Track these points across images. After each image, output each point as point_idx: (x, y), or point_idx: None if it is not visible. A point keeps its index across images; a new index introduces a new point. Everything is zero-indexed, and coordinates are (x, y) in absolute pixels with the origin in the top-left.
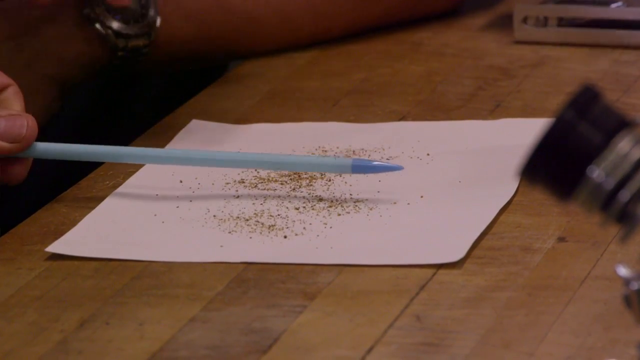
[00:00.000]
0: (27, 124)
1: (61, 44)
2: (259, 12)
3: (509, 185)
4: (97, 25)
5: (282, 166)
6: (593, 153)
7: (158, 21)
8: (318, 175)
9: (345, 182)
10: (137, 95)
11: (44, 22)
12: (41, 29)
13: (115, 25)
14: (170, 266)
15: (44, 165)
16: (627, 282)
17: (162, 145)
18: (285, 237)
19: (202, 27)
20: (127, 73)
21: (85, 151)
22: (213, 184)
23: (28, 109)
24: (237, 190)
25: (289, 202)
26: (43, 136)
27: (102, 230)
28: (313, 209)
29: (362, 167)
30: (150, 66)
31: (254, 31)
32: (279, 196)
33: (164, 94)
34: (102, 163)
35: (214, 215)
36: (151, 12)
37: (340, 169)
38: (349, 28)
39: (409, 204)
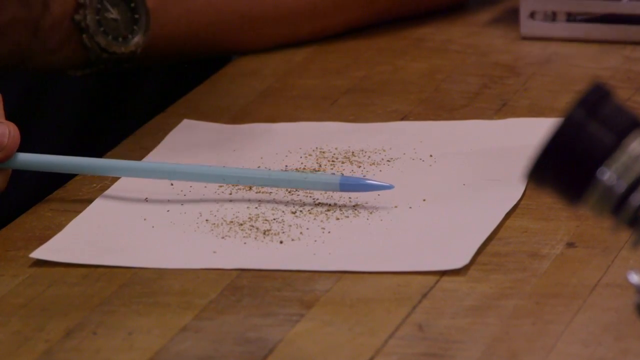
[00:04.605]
0: (8, 132)
1: (53, 36)
2: (254, 11)
3: (515, 188)
4: (84, 37)
5: (265, 182)
6: (603, 154)
7: (143, 40)
8: None
9: None
10: (127, 94)
11: (49, 5)
12: (51, 6)
13: (102, 41)
14: (160, 273)
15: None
16: (639, 289)
17: (153, 146)
18: (281, 242)
19: (193, 27)
20: (120, 73)
21: (67, 163)
22: (205, 186)
23: None
24: (230, 194)
25: (285, 205)
26: (30, 134)
27: (89, 235)
28: (310, 213)
29: (350, 186)
30: (141, 63)
31: (249, 31)
32: (274, 199)
33: (155, 92)
34: None
35: (207, 220)
36: (140, 32)
37: (327, 187)
38: (349, 26)
39: (410, 207)
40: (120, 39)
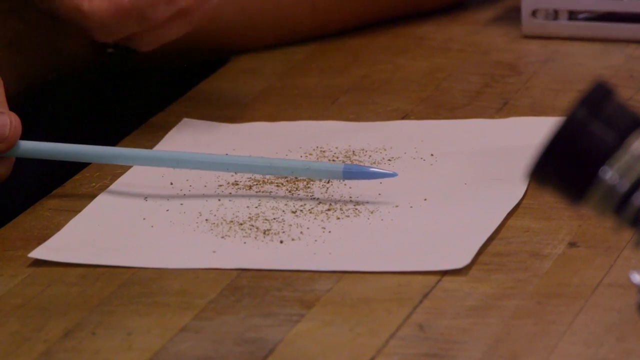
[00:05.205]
0: (10, 123)
1: (44, 32)
2: (253, 6)
3: (517, 187)
4: None
5: (268, 170)
6: (606, 153)
7: None
8: None
9: (345, 184)
10: (127, 92)
11: (32, 8)
12: (28, 13)
13: None
14: (160, 273)
15: (26, 165)
16: None
17: (152, 145)
18: (281, 242)
19: None
20: (118, 70)
21: (70, 151)
22: (205, 186)
23: None
24: (230, 193)
25: (285, 205)
26: (29, 133)
27: (88, 235)
28: (311, 213)
29: (353, 173)
30: (141, 62)
31: (248, 26)
32: (274, 199)
33: (154, 90)
34: (88, 164)
35: (206, 219)
36: None
37: (330, 175)
38: (350, 23)
39: (411, 207)
40: None
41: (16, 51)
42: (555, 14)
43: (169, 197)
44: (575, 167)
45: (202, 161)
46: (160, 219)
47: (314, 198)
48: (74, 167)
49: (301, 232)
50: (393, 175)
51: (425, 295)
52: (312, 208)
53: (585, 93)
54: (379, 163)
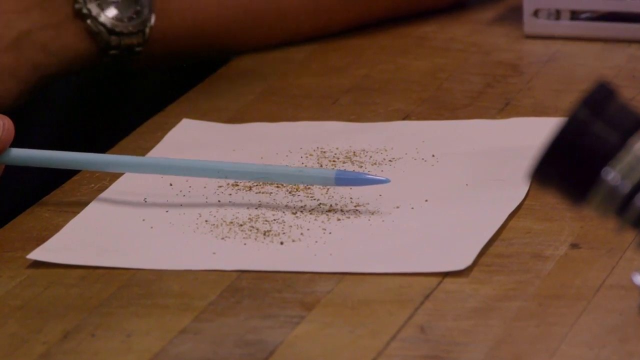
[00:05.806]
0: (2, 125)
1: (48, 33)
2: (256, 6)
3: (518, 188)
4: (89, 22)
5: (261, 177)
6: (608, 154)
7: (152, 19)
8: None
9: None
10: (126, 92)
11: (35, 8)
12: (31, 13)
13: (108, 22)
14: (159, 274)
15: (25, 166)
16: None
17: (152, 145)
18: (281, 243)
19: (197, 22)
20: (119, 71)
21: (60, 158)
22: (205, 187)
23: None
24: (230, 194)
25: (286, 206)
26: (28, 133)
27: (88, 236)
28: (311, 214)
29: (345, 180)
30: (143, 63)
31: (251, 26)
32: (274, 200)
33: (154, 91)
34: None
35: (206, 221)
36: (145, 10)
37: (322, 182)
38: (351, 23)
39: (413, 208)
40: (125, 20)
41: (16, 51)
42: (557, 14)
43: (168, 198)
44: (577, 168)
45: (193, 167)
46: (159, 220)
47: (315, 199)
48: None
49: (301, 234)
50: (386, 181)
51: (427, 297)
52: (313, 209)
53: (587, 93)
54: (379, 164)
